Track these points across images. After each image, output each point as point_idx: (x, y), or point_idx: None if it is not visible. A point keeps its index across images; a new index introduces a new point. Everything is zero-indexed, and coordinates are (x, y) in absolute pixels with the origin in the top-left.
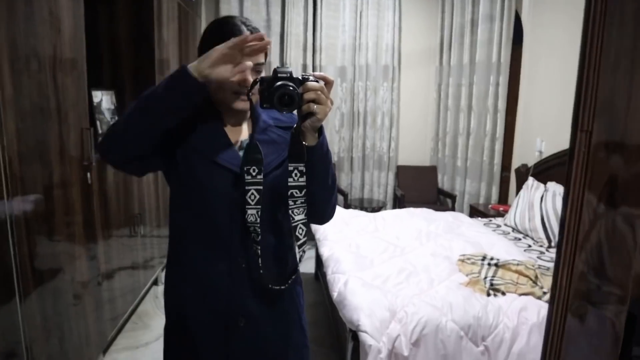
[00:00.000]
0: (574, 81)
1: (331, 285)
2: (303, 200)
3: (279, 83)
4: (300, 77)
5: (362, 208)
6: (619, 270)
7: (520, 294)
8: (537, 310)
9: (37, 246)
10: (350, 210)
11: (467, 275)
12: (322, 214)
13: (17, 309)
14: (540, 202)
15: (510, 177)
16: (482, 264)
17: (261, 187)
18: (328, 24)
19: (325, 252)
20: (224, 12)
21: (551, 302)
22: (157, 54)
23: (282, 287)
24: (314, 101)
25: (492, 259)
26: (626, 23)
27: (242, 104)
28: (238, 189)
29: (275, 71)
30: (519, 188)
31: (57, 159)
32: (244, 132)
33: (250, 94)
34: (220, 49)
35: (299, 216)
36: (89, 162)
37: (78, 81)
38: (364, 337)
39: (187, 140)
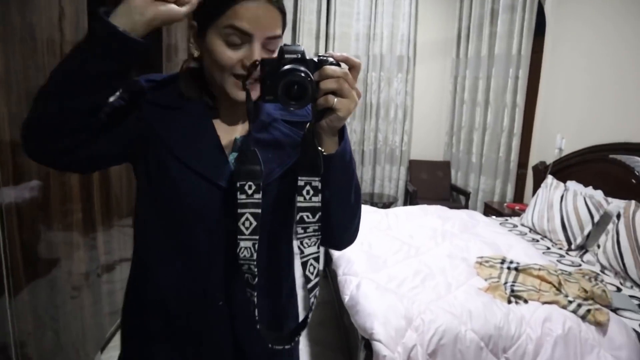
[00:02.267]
0: (600, 76)
1: (342, 288)
2: (317, 228)
3: (286, 67)
4: (315, 59)
5: (372, 203)
6: None
7: (544, 302)
8: (562, 321)
9: (32, 236)
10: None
11: (486, 279)
12: (340, 240)
13: (6, 302)
14: (560, 202)
15: (526, 175)
16: (502, 268)
17: (259, 211)
18: (342, 12)
19: (335, 250)
20: None
21: None
22: (165, 39)
23: (286, 347)
24: (334, 93)
25: (511, 262)
26: None
27: (240, 94)
28: (227, 211)
29: (282, 50)
30: (536, 186)
31: None
32: (241, 130)
33: (248, 82)
34: None
35: (310, 248)
36: None
37: None
38: (378, 347)
39: (158, 134)
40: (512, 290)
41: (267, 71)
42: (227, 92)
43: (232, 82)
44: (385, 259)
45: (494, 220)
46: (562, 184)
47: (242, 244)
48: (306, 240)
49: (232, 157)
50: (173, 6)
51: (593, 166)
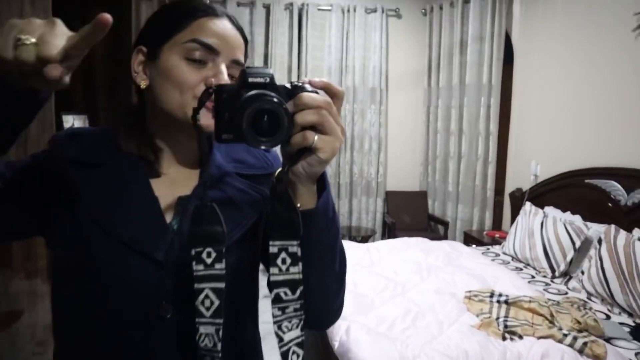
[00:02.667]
0: (569, 102)
1: (330, 333)
2: (298, 307)
3: (252, 93)
4: (288, 86)
5: (350, 237)
6: None
7: (539, 337)
8: (560, 356)
9: None
10: None
11: (477, 315)
12: (323, 319)
13: None
14: (541, 229)
15: (503, 202)
16: (492, 302)
17: (223, 285)
18: (314, 45)
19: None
20: None
21: None
22: None
23: None
24: (313, 127)
25: (500, 295)
26: None
27: (209, 118)
28: (172, 292)
29: (244, 74)
30: (514, 213)
31: None
32: (187, 184)
33: (197, 116)
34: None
35: (291, 333)
36: None
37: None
38: None
39: (77, 198)
40: (506, 326)
41: (224, 100)
42: (187, 117)
43: (191, 107)
44: (372, 299)
45: (475, 250)
46: (540, 210)
47: (203, 329)
48: (285, 324)
49: (175, 222)
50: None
51: (569, 191)
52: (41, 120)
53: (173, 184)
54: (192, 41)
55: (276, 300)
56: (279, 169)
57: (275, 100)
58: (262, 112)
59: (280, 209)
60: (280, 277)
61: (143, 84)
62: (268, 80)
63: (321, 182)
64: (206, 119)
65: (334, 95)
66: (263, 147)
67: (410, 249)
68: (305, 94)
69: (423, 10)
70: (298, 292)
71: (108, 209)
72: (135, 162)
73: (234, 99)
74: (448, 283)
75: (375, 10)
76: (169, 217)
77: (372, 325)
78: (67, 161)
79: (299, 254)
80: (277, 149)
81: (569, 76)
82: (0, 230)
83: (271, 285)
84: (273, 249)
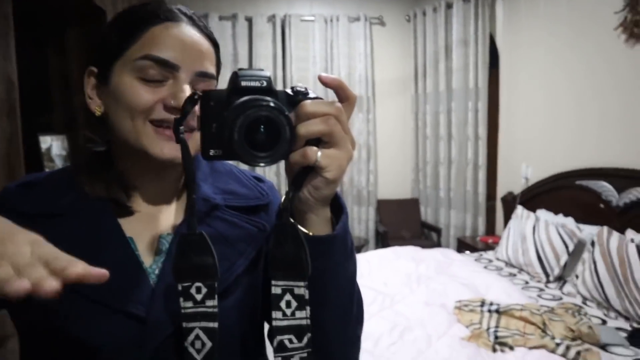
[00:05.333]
0: (557, 103)
1: None
2: (305, 356)
3: (245, 99)
4: (288, 91)
5: None
6: None
7: (531, 347)
8: None
9: None
10: None
11: (467, 326)
12: None
13: None
14: (533, 233)
15: (496, 206)
16: (482, 311)
17: (216, 325)
18: (298, 56)
19: None
20: None
21: None
22: None
23: None
24: (318, 140)
25: (491, 304)
26: None
27: (166, 148)
28: (165, 346)
29: (235, 76)
30: (506, 217)
31: None
32: (167, 220)
33: (181, 129)
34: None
35: None
36: None
37: (10, 128)
38: None
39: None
40: (496, 337)
41: (212, 109)
42: (144, 148)
43: (150, 131)
44: None
45: (468, 257)
46: (532, 214)
47: None
48: None
49: (155, 265)
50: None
51: (561, 193)
52: (8, 140)
53: (150, 220)
54: (143, 58)
55: (279, 348)
56: (286, 195)
57: (272, 105)
58: (257, 120)
59: (284, 244)
60: (285, 323)
61: (97, 110)
62: (265, 84)
63: (337, 205)
64: (168, 148)
65: (346, 99)
66: (261, 164)
67: (401, 259)
68: (309, 101)
69: (407, 17)
70: (305, 339)
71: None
72: (102, 204)
73: (224, 106)
74: (439, 293)
75: (358, 19)
76: (148, 260)
77: None
78: (21, 216)
79: (307, 296)
80: (274, 169)
81: (554, 77)
82: None
83: (273, 331)
84: (276, 290)
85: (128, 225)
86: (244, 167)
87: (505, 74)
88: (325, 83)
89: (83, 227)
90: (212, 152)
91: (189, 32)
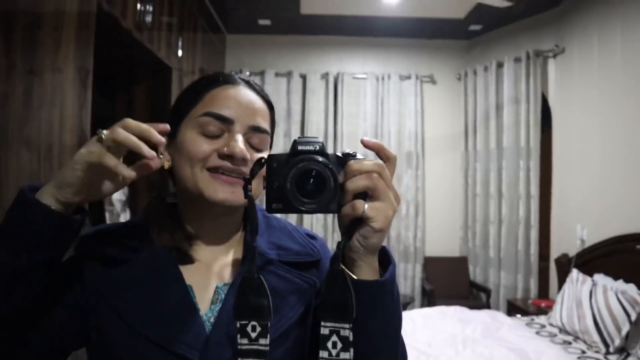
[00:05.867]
0: (613, 162)
1: None
2: None
3: (299, 157)
4: (338, 154)
5: None
6: None
7: None
8: None
9: None
10: None
11: None
12: None
13: None
14: (590, 299)
15: (549, 268)
16: None
17: None
18: (349, 112)
19: None
20: None
21: None
22: None
23: None
24: (365, 194)
25: None
26: None
27: (219, 191)
28: None
29: (295, 143)
30: (560, 280)
31: None
32: (223, 271)
33: (249, 186)
34: (85, 155)
35: None
36: None
37: None
38: None
39: (103, 296)
40: None
41: (274, 170)
42: (200, 192)
43: (206, 177)
44: None
45: (519, 321)
46: (589, 278)
47: None
48: None
49: (210, 313)
50: (109, 184)
51: (620, 258)
52: None
53: (208, 270)
54: (205, 114)
55: None
56: (339, 244)
57: (320, 160)
58: (306, 173)
59: (334, 288)
60: None
61: (166, 164)
62: (317, 147)
63: (385, 256)
64: (222, 192)
65: (387, 159)
66: (305, 209)
67: (447, 319)
68: (354, 160)
69: (457, 75)
70: None
71: (135, 306)
72: (165, 252)
73: (283, 167)
74: (485, 358)
75: (409, 77)
76: (204, 307)
77: None
78: (95, 259)
79: (351, 338)
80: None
81: (610, 135)
82: (45, 346)
83: None
84: (324, 331)
85: (187, 273)
86: (297, 219)
87: (558, 132)
88: (367, 146)
89: (148, 273)
90: (274, 206)
91: (245, 92)
